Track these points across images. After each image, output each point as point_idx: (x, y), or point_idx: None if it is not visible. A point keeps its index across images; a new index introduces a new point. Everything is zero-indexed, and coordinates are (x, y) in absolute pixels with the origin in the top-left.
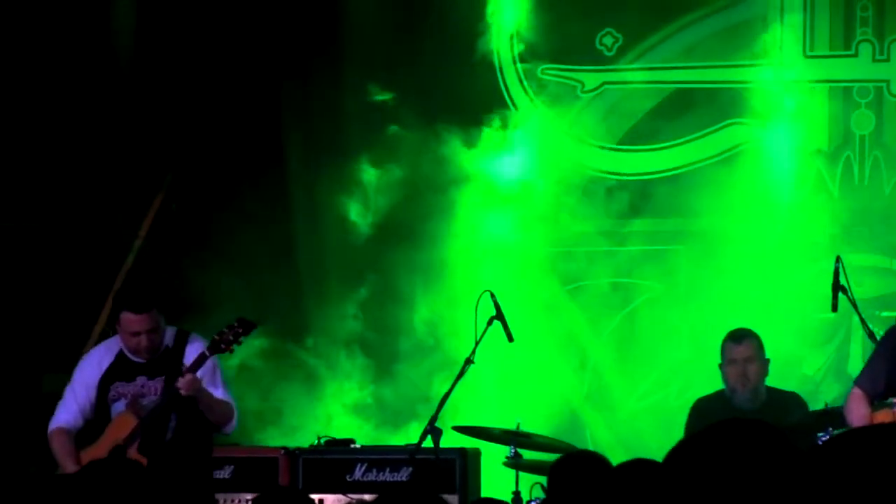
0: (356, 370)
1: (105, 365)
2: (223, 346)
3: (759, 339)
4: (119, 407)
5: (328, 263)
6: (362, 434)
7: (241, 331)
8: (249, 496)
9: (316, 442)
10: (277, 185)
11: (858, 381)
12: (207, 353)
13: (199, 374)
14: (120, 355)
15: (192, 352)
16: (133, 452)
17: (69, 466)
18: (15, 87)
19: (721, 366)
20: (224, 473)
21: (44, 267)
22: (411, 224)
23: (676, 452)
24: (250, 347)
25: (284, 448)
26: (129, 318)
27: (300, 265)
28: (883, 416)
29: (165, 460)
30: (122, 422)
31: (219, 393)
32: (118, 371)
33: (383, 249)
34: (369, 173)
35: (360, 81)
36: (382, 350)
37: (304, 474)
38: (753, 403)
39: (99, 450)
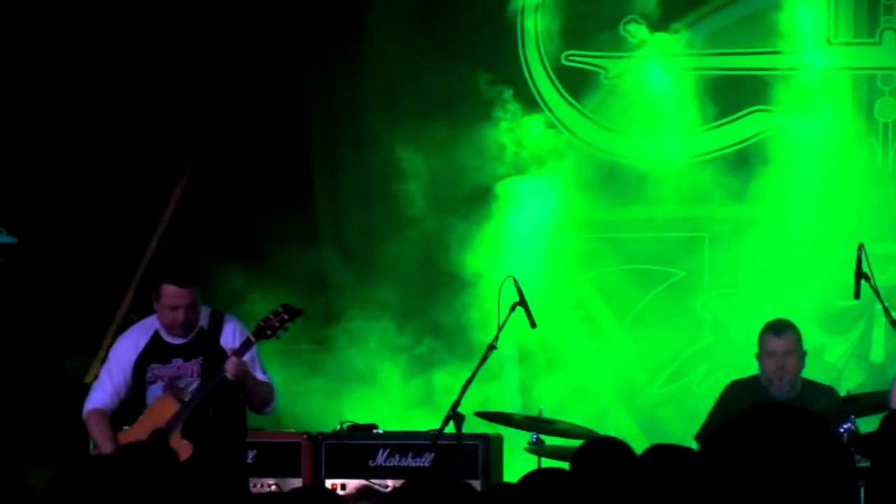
0: (384, 354)
1: (141, 346)
2: (269, 332)
3: (798, 332)
4: (155, 390)
5: (352, 247)
6: (385, 419)
7: (286, 317)
8: (272, 481)
9: (338, 427)
10: (301, 170)
11: None
12: (253, 339)
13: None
14: (155, 337)
15: (227, 332)
16: (176, 437)
17: (107, 448)
18: (40, 70)
19: (758, 356)
20: (247, 458)
21: (67, 251)
22: (435, 207)
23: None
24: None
25: (307, 433)
26: (171, 291)
27: (324, 249)
28: None
29: (206, 444)
30: (163, 406)
31: (260, 375)
32: (154, 353)
33: (406, 234)
34: (394, 157)
35: (383, 65)
36: (412, 334)
37: (327, 459)
38: (789, 394)
39: (138, 432)
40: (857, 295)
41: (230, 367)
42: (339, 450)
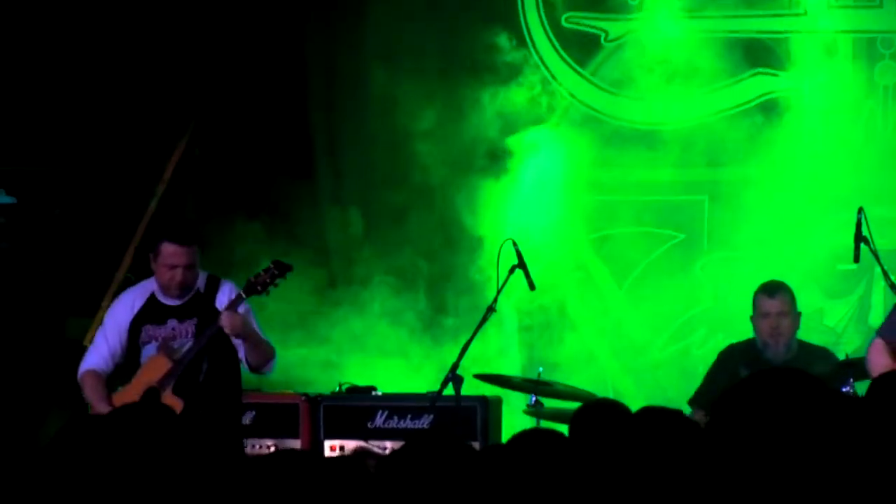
0: (385, 314)
1: (137, 307)
2: (259, 287)
3: (791, 293)
4: (150, 350)
5: (354, 208)
6: (384, 381)
7: (276, 273)
8: (270, 442)
9: (337, 389)
10: (301, 131)
11: (880, 332)
12: (243, 295)
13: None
14: (151, 298)
15: (223, 296)
16: (167, 395)
17: (102, 409)
18: (40, 32)
19: (753, 318)
20: (245, 419)
21: (67, 212)
22: (436, 169)
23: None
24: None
25: (305, 395)
26: (170, 250)
27: (325, 210)
28: None
29: (199, 403)
30: (156, 364)
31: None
32: (149, 313)
33: (408, 195)
34: (395, 117)
35: (383, 26)
36: (413, 295)
37: (325, 421)
38: (785, 356)
39: (131, 392)
40: (856, 258)
41: (226, 320)
42: (337, 411)
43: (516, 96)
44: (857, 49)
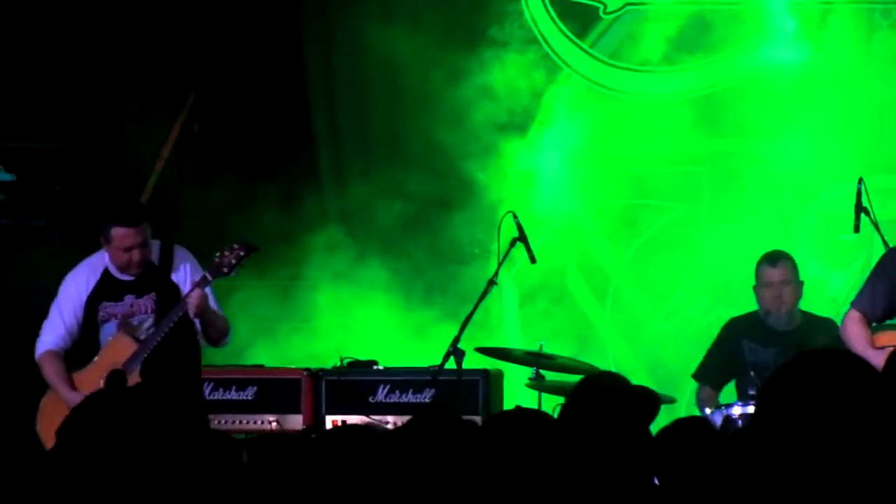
0: (385, 289)
1: (91, 284)
2: (225, 269)
3: (793, 262)
4: (110, 328)
5: (352, 179)
6: (386, 355)
7: (242, 253)
8: (272, 417)
9: (339, 363)
10: (299, 104)
11: (856, 304)
12: (209, 278)
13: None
14: (105, 274)
15: (179, 267)
16: (133, 377)
17: (64, 390)
18: (38, 6)
19: (755, 288)
20: (247, 395)
21: (67, 186)
22: (432, 138)
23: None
24: (272, 265)
25: (307, 369)
26: (121, 233)
27: (323, 181)
28: (889, 338)
29: (159, 379)
30: (119, 345)
31: (216, 308)
32: (105, 290)
33: (406, 164)
34: (393, 89)
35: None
36: (410, 269)
37: (327, 396)
38: (788, 325)
39: (94, 373)
40: (856, 229)
41: (194, 300)
42: (339, 386)
43: (513, 68)
44: (857, 19)
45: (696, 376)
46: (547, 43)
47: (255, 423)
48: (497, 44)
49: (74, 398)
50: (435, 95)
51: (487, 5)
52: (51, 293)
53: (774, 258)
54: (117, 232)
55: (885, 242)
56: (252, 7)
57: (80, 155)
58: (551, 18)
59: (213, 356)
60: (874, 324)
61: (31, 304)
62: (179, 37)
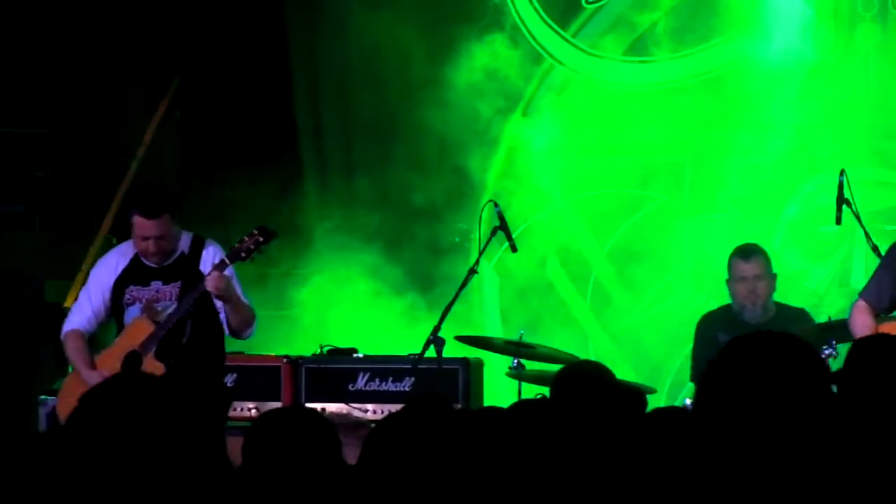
0: (365, 277)
1: (121, 268)
2: (243, 254)
3: (766, 255)
4: (134, 311)
5: (335, 167)
6: (365, 343)
7: (261, 239)
8: (252, 404)
9: (318, 351)
10: (283, 91)
11: (863, 294)
12: (228, 261)
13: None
14: (135, 259)
15: (207, 257)
16: (149, 359)
17: (83, 370)
18: None
19: (728, 281)
20: (227, 382)
21: (48, 173)
22: (412, 124)
23: (707, 374)
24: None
25: (287, 357)
26: (139, 222)
27: (305, 171)
28: (890, 328)
29: (181, 366)
30: (138, 327)
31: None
32: (133, 274)
33: (388, 154)
34: (375, 78)
35: None
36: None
37: (307, 383)
38: (762, 318)
39: (113, 354)
40: (838, 220)
41: (210, 282)
42: (318, 374)
43: (496, 57)
44: (839, 11)
45: (693, 379)
46: (529, 32)
47: (234, 409)
48: (480, 33)
49: (93, 377)
50: (419, 85)
51: (474, 4)
52: (31, 277)
53: (747, 253)
54: (136, 220)
55: (866, 234)
56: None
57: (61, 141)
58: (534, 8)
59: None
60: (882, 314)
61: (10, 288)
62: (163, 22)
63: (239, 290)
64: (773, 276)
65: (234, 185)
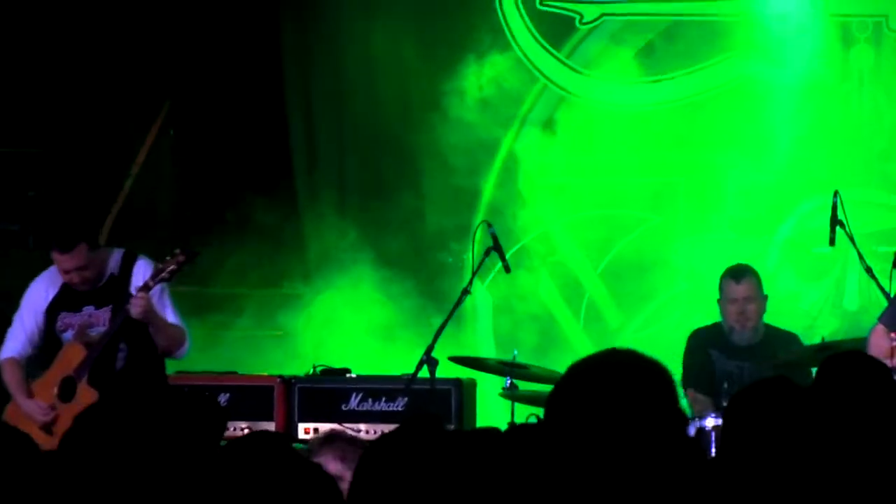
0: (358, 297)
1: (51, 295)
2: (166, 275)
3: (758, 277)
4: (68, 338)
5: (326, 188)
6: (359, 363)
7: (182, 259)
8: (244, 424)
9: (311, 371)
10: (275, 112)
11: (882, 318)
12: (151, 284)
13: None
14: (65, 285)
15: (138, 275)
16: (83, 385)
17: (19, 398)
18: (13, 13)
19: (719, 301)
20: (220, 401)
21: (41, 192)
22: (408, 145)
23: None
24: (250, 273)
25: (280, 376)
26: (56, 257)
27: (299, 191)
28: None
29: (116, 390)
30: (71, 352)
31: (170, 317)
32: (64, 301)
33: (381, 173)
34: (371, 97)
35: (357, 7)
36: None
37: (300, 403)
38: (751, 340)
39: (48, 382)
40: (831, 241)
41: (135, 304)
42: (312, 394)
43: (490, 78)
44: (833, 33)
45: (683, 384)
46: (523, 53)
47: (226, 429)
48: (474, 53)
49: (26, 405)
50: (412, 104)
51: (466, 15)
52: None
53: (738, 274)
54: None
55: (860, 255)
56: (229, 14)
57: (55, 160)
58: (527, 29)
59: (190, 363)
60: None
61: (4, 308)
62: (155, 43)
63: (168, 310)
64: (765, 298)
65: (228, 204)
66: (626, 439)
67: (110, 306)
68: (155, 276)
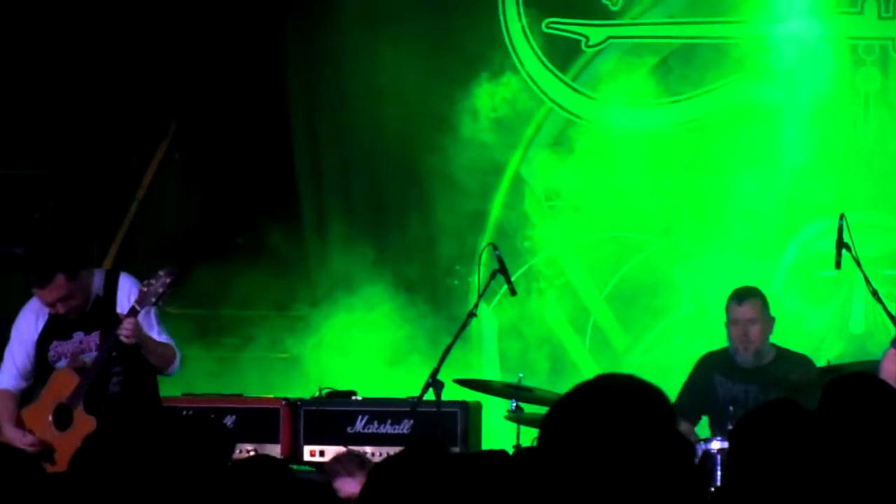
0: (366, 320)
1: (41, 325)
2: (152, 298)
3: (763, 298)
4: (61, 367)
5: (333, 210)
6: (364, 385)
7: (168, 280)
8: (251, 446)
9: (317, 393)
10: (281, 133)
11: (894, 342)
12: (138, 308)
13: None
14: (53, 314)
15: (123, 295)
16: (79, 413)
17: (8, 429)
18: (19, 34)
19: (726, 324)
20: (225, 424)
21: (46, 215)
22: (415, 166)
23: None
24: (259, 293)
25: (286, 399)
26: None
27: (304, 213)
28: None
29: (114, 415)
30: (63, 379)
31: (156, 335)
32: (54, 330)
33: (387, 195)
34: (375, 119)
35: (363, 28)
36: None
37: (305, 425)
38: (757, 362)
39: (41, 409)
40: (837, 265)
41: (125, 329)
42: (317, 416)
43: (493, 99)
44: (839, 55)
45: (675, 408)
46: (529, 76)
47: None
48: (479, 75)
49: (13, 435)
50: (418, 125)
51: (473, 36)
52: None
53: (742, 296)
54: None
55: (866, 279)
56: (234, 35)
57: (59, 182)
58: (533, 51)
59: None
60: None
61: (7, 331)
62: (161, 65)
63: (155, 329)
64: (771, 321)
65: (235, 227)
66: (619, 464)
67: (99, 331)
68: (141, 301)
